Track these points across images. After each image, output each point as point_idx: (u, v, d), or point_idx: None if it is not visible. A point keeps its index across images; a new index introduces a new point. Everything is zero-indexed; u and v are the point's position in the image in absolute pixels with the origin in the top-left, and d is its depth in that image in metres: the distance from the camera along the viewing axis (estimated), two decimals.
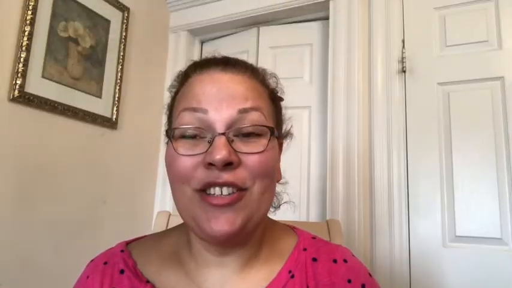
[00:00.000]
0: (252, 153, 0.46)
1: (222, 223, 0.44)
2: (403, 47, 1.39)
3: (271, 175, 0.49)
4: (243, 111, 0.47)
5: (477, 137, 1.24)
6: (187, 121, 0.47)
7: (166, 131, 0.50)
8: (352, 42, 1.46)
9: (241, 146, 0.46)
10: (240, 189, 0.45)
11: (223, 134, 0.45)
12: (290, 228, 0.59)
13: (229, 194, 0.45)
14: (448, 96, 1.31)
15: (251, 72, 0.52)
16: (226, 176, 0.44)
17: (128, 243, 0.57)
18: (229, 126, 0.46)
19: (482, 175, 1.21)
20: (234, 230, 0.45)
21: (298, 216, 1.50)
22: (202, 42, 1.96)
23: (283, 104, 0.59)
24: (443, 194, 1.25)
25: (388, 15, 1.43)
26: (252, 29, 1.76)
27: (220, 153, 0.43)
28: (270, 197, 0.50)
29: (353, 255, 0.57)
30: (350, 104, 1.42)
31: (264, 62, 1.61)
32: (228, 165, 0.44)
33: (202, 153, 0.45)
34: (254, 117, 0.47)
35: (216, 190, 0.45)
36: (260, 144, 0.47)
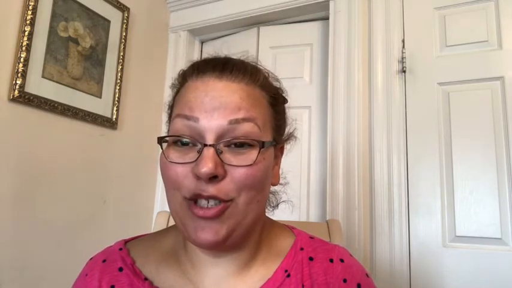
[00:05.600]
0: (240, 166, 0.45)
1: (206, 233, 0.45)
2: (403, 47, 1.39)
3: (259, 187, 0.47)
4: (235, 122, 0.46)
5: (477, 137, 1.24)
6: (179, 128, 0.47)
7: (158, 138, 0.49)
8: (352, 42, 1.46)
9: (230, 157, 0.46)
10: (225, 201, 0.45)
11: (212, 145, 0.45)
12: (288, 228, 0.59)
13: (215, 204, 0.45)
14: (448, 96, 1.31)
15: (249, 78, 0.50)
16: (211, 190, 0.44)
17: (126, 241, 0.57)
18: (219, 137, 0.45)
19: (482, 175, 1.21)
20: (218, 240, 0.45)
21: (298, 217, 1.50)
22: (202, 42, 1.96)
23: (286, 105, 0.58)
24: (443, 194, 1.25)
25: (388, 15, 1.43)
26: (252, 29, 1.76)
27: (206, 166, 0.43)
28: (257, 207, 0.49)
29: (351, 255, 0.57)
30: (350, 104, 1.42)
31: (264, 62, 1.60)
32: (214, 177, 0.44)
33: (191, 162, 0.45)
34: (246, 128, 0.46)
35: (203, 202, 0.45)
36: (249, 157, 0.46)
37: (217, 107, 0.46)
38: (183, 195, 0.46)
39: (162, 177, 0.49)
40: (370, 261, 1.30)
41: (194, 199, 0.45)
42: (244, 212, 0.47)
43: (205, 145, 0.45)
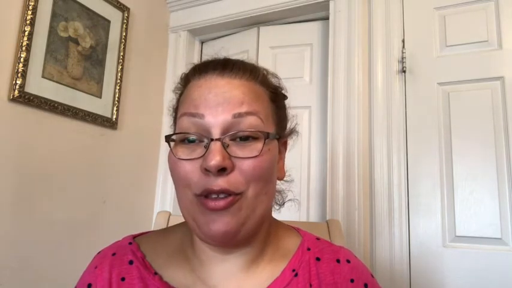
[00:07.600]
0: (247, 158, 0.47)
1: (218, 225, 0.46)
2: (403, 47, 1.39)
3: (266, 178, 0.49)
4: (238, 115, 0.48)
5: (477, 137, 1.24)
6: (185, 126, 0.49)
7: (166, 136, 0.51)
8: (352, 42, 1.46)
9: (236, 150, 0.47)
10: (235, 194, 0.46)
11: (218, 139, 0.46)
12: (294, 229, 0.60)
13: (225, 196, 0.46)
14: (448, 96, 1.31)
15: (249, 74, 0.52)
16: (221, 183, 0.45)
17: (134, 236, 0.58)
18: (225, 131, 0.47)
19: (482, 175, 1.21)
20: (229, 230, 0.46)
21: (299, 217, 1.49)
22: (202, 42, 1.96)
23: (286, 102, 0.59)
24: (443, 194, 1.25)
25: (388, 15, 1.43)
26: (252, 29, 1.76)
27: (214, 159, 0.44)
28: (266, 199, 0.50)
29: (355, 257, 0.58)
30: (350, 104, 1.42)
31: (264, 62, 1.61)
32: (222, 170, 0.45)
33: (199, 157, 0.47)
34: (250, 121, 0.48)
35: (213, 196, 0.46)
36: (255, 148, 0.47)
37: (221, 102, 0.48)
38: (194, 192, 0.47)
39: (172, 176, 0.51)
40: (370, 260, 1.30)
41: (205, 194, 0.46)
42: (253, 204, 0.48)
43: (212, 139, 0.46)
